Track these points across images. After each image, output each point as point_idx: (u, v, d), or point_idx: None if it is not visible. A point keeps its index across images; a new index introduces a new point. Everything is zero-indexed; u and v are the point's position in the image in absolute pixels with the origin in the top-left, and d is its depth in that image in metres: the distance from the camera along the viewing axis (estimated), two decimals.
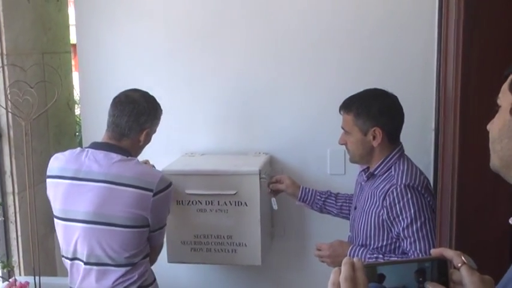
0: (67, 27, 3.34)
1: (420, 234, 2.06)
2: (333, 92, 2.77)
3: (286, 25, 2.82)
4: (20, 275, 2.90)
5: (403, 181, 2.12)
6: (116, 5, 2.96)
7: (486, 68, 1.39)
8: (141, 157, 2.67)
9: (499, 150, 1.05)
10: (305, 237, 2.98)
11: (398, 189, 2.10)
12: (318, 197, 2.61)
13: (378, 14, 2.73)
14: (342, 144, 2.34)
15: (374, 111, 2.19)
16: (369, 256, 2.17)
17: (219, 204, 2.63)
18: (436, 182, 2.08)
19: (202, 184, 2.65)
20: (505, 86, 1.05)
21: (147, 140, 2.38)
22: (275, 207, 2.65)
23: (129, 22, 2.97)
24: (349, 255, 2.22)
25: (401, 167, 2.19)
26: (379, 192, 2.17)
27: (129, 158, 2.28)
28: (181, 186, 2.65)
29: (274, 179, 2.67)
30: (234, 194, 2.61)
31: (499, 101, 1.07)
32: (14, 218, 2.87)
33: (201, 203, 2.65)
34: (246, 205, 2.61)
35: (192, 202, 2.66)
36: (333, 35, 2.78)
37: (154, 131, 2.42)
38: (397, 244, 2.17)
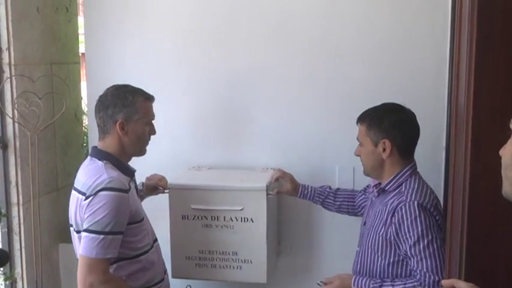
0: (76, 37, 3.33)
1: (427, 253, 2.03)
2: (343, 109, 2.75)
3: (297, 41, 2.79)
4: (23, 287, 2.87)
5: (412, 198, 2.11)
6: (124, 16, 2.95)
7: (499, 88, 1.34)
8: (149, 170, 2.66)
9: None
10: (312, 254, 2.93)
11: (407, 206, 2.09)
12: (317, 197, 2.63)
13: (390, 30, 2.70)
14: (356, 155, 2.34)
15: (385, 124, 2.20)
16: (372, 286, 2.13)
17: (224, 219, 2.59)
18: (446, 201, 2.02)
19: (208, 199, 2.61)
20: None
21: (134, 130, 2.25)
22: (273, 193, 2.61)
23: (137, 32, 2.95)
24: (353, 285, 2.18)
25: (411, 185, 2.18)
26: (388, 208, 2.16)
27: (95, 160, 2.24)
28: (186, 200, 2.62)
29: (279, 175, 2.63)
30: (241, 209, 2.57)
31: (511, 125, 1.03)
32: (18, 229, 2.85)
33: (206, 218, 2.61)
34: (252, 221, 2.57)
35: (198, 217, 2.62)
36: (344, 51, 2.75)
37: (145, 119, 2.28)
38: (405, 262, 2.14)
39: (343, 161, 2.76)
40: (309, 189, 2.63)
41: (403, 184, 2.19)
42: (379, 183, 2.31)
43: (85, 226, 2.11)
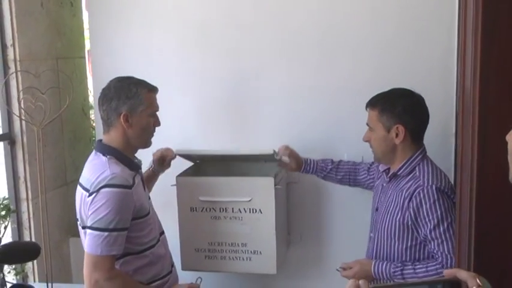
0: (81, 32, 3.33)
1: (448, 235, 2.06)
2: (350, 97, 2.72)
3: (302, 29, 2.76)
4: (34, 281, 2.89)
5: (430, 182, 2.13)
6: (129, 10, 2.94)
7: (505, 72, 1.31)
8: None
9: None
10: (323, 244, 2.91)
11: (426, 191, 2.11)
12: (319, 172, 2.64)
13: (398, 17, 2.66)
14: (365, 141, 2.33)
15: (399, 109, 2.20)
16: (393, 270, 2.14)
17: (233, 211, 2.58)
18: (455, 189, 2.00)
19: (216, 191, 2.60)
20: None
21: (139, 122, 2.23)
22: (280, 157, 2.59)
23: (142, 27, 2.94)
24: (373, 270, 2.20)
25: (425, 168, 2.19)
26: (404, 193, 2.16)
27: (99, 155, 2.22)
28: (194, 193, 2.61)
29: (284, 150, 2.60)
30: (249, 201, 2.56)
31: None
32: (28, 224, 2.86)
33: (215, 210, 2.61)
34: (261, 212, 2.55)
35: (206, 209, 2.61)
36: (351, 39, 2.72)
37: (149, 110, 2.25)
38: (422, 246, 2.16)
39: (351, 149, 2.73)
40: (311, 165, 2.63)
41: (416, 168, 2.20)
42: (388, 169, 2.31)
43: (89, 223, 2.11)
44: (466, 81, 1.52)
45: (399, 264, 2.15)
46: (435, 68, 2.64)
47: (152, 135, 2.33)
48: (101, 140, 2.30)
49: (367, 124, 2.31)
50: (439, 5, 2.61)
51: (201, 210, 2.62)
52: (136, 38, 2.96)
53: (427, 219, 2.09)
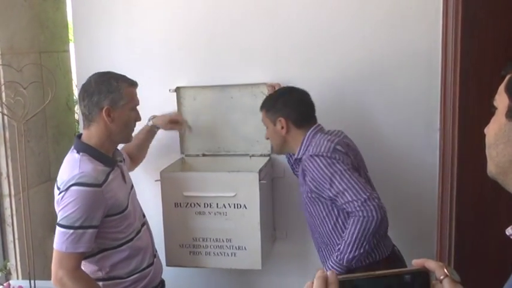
0: (65, 25, 3.29)
1: (344, 186, 2.17)
2: (336, 92, 2.71)
3: (288, 24, 2.74)
4: (17, 278, 2.86)
5: (309, 152, 2.30)
6: (113, 3, 2.91)
7: (484, 68, 1.31)
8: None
9: (495, 156, 0.98)
10: (308, 240, 2.87)
11: (308, 161, 2.27)
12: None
13: (383, 11, 2.64)
14: (266, 139, 2.55)
15: (278, 104, 2.44)
16: (333, 262, 2.21)
17: (217, 206, 2.57)
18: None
19: (201, 186, 2.59)
20: (502, 87, 0.97)
21: (120, 116, 2.23)
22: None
23: (126, 20, 2.91)
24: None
25: (312, 143, 2.35)
26: (301, 171, 2.36)
27: (74, 153, 2.23)
28: (179, 188, 2.60)
29: (271, 85, 2.73)
30: (233, 196, 2.54)
31: (495, 103, 0.99)
32: (10, 221, 2.83)
33: (199, 206, 2.59)
34: (246, 208, 2.54)
35: (190, 204, 2.60)
36: (336, 32, 2.70)
37: (129, 105, 2.25)
38: (336, 210, 2.29)
39: None
40: None
41: (309, 147, 2.35)
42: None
43: (57, 220, 2.13)
44: (447, 78, 1.52)
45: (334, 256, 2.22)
46: (420, 63, 2.62)
47: (133, 130, 2.34)
48: (79, 136, 2.29)
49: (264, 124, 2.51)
50: (423, 1, 2.59)
51: (186, 206, 2.61)
52: (121, 32, 2.93)
53: (322, 183, 2.22)
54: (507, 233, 0.96)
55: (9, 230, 2.85)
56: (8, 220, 2.83)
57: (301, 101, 2.48)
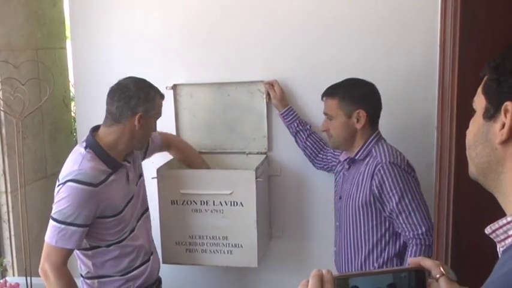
0: (62, 22, 3.28)
1: (413, 206, 2.16)
2: None
3: (286, 23, 2.73)
4: (13, 275, 2.85)
5: (387, 159, 2.23)
6: (110, 0, 2.90)
7: (483, 66, 1.31)
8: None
9: (475, 157, 0.99)
10: (304, 238, 2.90)
11: (385, 167, 2.21)
12: (295, 125, 2.70)
13: (380, 10, 2.64)
14: (323, 130, 2.44)
15: (357, 95, 2.32)
16: None
17: (214, 204, 2.57)
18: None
19: (197, 184, 2.59)
20: (479, 89, 0.99)
21: (147, 124, 2.30)
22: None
23: (124, 17, 2.90)
24: None
25: (381, 148, 2.29)
26: (366, 173, 2.26)
27: (80, 147, 2.25)
28: (175, 185, 2.60)
29: (268, 82, 2.72)
30: (230, 193, 2.54)
31: (474, 105, 1.00)
32: (7, 217, 2.83)
33: (196, 203, 2.59)
34: (242, 205, 2.54)
35: (187, 202, 2.60)
36: (334, 31, 2.70)
37: (156, 116, 2.35)
38: (387, 222, 2.26)
39: None
40: (294, 114, 2.70)
41: (372, 150, 2.30)
42: (348, 158, 2.40)
43: (51, 213, 2.17)
44: (445, 77, 1.52)
45: None
46: (418, 62, 2.63)
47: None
48: (95, 129, 2.31)
49: (326, 113, 2.39)
50: (421, 0, 2.59)
51: (182, 203, 2.61)
52: (117, 29, 2.92)
53: (391, 194, 2.18)
54: (486, 232, 0.95)
55: (5, 226, 2.84)
56: (4, 217, 2.83)
57: (379, 98, 2.36)
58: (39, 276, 2.70)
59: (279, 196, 2.88)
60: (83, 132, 2.99)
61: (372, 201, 2.24)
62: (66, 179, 2.14)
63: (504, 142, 0.91)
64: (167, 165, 2.73)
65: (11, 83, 2.63)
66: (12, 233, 2.82)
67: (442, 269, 0.86)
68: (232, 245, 2.59)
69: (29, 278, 2.59)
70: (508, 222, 0.90)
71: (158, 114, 2.36)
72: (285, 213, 2.89)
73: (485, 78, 0.96)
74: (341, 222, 2.41)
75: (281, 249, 2.93)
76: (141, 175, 2.47)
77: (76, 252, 2.29)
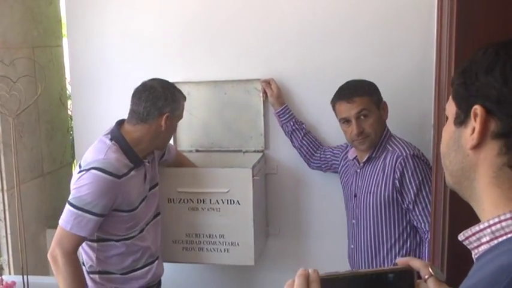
0: (58, 20, 3.27)
1: (430, 199, 2.15)
2: (329, 89, 2.69)
3: (282, 20, 2.73)
4: (10, 273, 2.85)
5: (407, 151, 2.28)
6: None
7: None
8: None
9: (449, 165, 0.97)
10: (301, 236, 2.90)
11: (407, 160, 2.25)
12: (291, 124, 2.69)
13: (377, 9, 2.64)
14: (359, 133, 2.33)
15: (376, 89, 2.38)
16: None
17: (211, 202, 2.57)
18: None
19: (194, 182, 2.58)
20: (450, 96, 0.97)
21: (171, 125, 2.35)
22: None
23: (120, 15, 2.89)
24: None
25: (396, 142, 2.35)
26: (387, 169, 2.29)
27: (106, 138, 2.26)
28: (172, 184, 2.59)
29: (265, 81, 2.73)
30: (227, 192, 2.54)
31: (446, 112, 0.98)
32: (3, 216, 2.82)
33: (192, 201, 2.59)
34: (239, 203, 2.54)
35: (184, 200, 2.60)
36: (330, 29, 2.69)
37: (179, 117, 2.42)
38: (408, 218, 2.29)
39: (329, 141, 2.75)
40: (290, 113, 2.70)
41: (388, 145, 2.34)
42: (356, 157, 2.44)
43: (69, 197, 2.16)
44: (442, 76, 1.52)
45: None
46: (415, 61, 2.62)
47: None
48: (119, 124, 2.32)
49: (359, 113, 2.33)
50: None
51: (179, 202, 2.61)
52: (114, 27, 2.91)
53: (409, 187, 2.23)
54: (459, 239, 0.94)
55: (1, 225, 2.84)
56: (1, 215, 2.82)
57: None
58: (35, 274, 2.72)
59: (276, 194, 2.88)
60: (79, 131, 3.01)
61: (395, 196, 2.28)
62: (90, 166, 2.15)
63: (475, 147, 0.89)
64: (164, 164, 2.72)
65: (6, 81, 2.62)
66: (9, 231, 2.81)
67: (430, 269, 0.86)
68: (229, 243, 2.59)
69: (25, 277, 2.58)
70: (481, 230, 0.88)
71: (181, 115, 2.42)
72: (282, 212, 2.89)
73: (455, 85, 0.95)
74: (359, 219, 2.41)
75: (278, 247, 2.93)
76: (157, 184, 2.49)
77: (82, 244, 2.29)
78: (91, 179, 2.13)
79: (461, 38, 1.36)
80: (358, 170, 2.43)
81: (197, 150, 2.89)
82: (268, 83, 2.71)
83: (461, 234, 0.92)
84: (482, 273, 0.84)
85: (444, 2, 1.45)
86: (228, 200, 2.54)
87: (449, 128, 0.96)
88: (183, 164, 2.77)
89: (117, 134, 2.27)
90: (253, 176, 2.51)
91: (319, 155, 2.70)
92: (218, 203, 2.56)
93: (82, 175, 2.15)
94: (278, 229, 2.91)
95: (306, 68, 2.75)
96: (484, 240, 0.88)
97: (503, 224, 0.85)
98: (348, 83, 2.40)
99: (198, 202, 2.59)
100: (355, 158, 2.45)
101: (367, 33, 2.66)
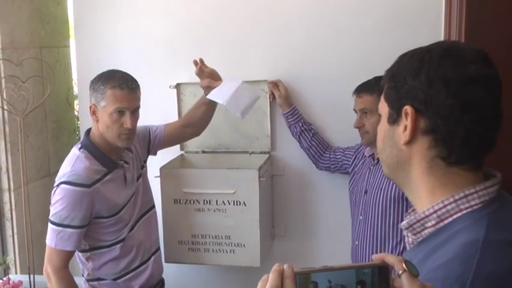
0: (66, 20, 3.28)
1: None
2: (336, 89, 2.71)
3: (288, 22, 2.74)
4: (16, 273, 2.85)
5: None
6: None
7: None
8: None
9: (385, 159, 1.09)
10: (307, 238, 2.90)
11: None
12: (300, 124, 2.71)
13: (383, 10, 2.64)
14: (358, 127, 2.43)
15: None
16: None
17: (217, 203, 2.57)
18: None
19: (200, 183, 2.58)
20: (382, 96, 1.08)
21: (102, 119, 2.17)
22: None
23: (128, 16, 2.91)
24: None
25: None
26: None
27: (76, 147, 2.25)
28: (178, 184, 2.60)
29: (273, 82, 2.73)
30: (233, 193, 2.54)
31: (379, 111, 1.10)
32: (9, 215, 2.83)
33: (198, 202, 2.59)
34: (245, 205, 2.54)
35: (190, 201, 2.60)
36: (336, 30, 2.70)
37: (109, 108, 2.15)
38: None
39: (336, 142, 2.74)
40: (299, 114, 2.71)
41: None
42: (373, 154, 2.45)
43: (49, 215, 2.18)
44: None
45: None
46: None
47: (120, 135, 2.21)
48: (89, 131, 2.30)
49: (361, 110, 2.40)
50: (425, 0, 2.59)
51: (185, 202, 2.61)
52: (121, 28, 2.93)
53: None
54: (402, 227, 1.05)
55: (8, 224, 2.84)
56: (7, 214, 2.83)
57: None
58: (41, 274, 2.72)
59: (282, 196, 2.88)
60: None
61: (399, 192, 2.28)
62: (59, 181, 2.15)
63: (408, 143, 1.01)
64: (170, 164, 2.73)
65: (14, 81, 2.63)
66: (15, 230, 2.82)
67: (404, 265, 0.86)
68: (234, 244, 2.59)
69: (31, 276, 2.59)
70: (426, 216, 1.01)
71: (113, 105, 2.15)
72: (288, 213, 2.89)
73: (385, 87, 1.06)
74: (367, 215, 2.42)
75: (284, 249, 2.93)
76: (140, 175, 2.41)
77: (77, 254, 2.30)
78: (62, 194, 2.13)
79: (470, 40, 1.36)
80: (372, 167, 2.45)
81: (204, 151, 2.89)
82: (275, 84, 2.71)
83: (404, 223, 1.04)
84: (443, 253, 0.95)
85: (453, 5, 1.45)
86: (234, 201, 2.54)
87: (383, 126, 1.08)
88: (176, 128, 2.60)
89: (86, 140, 2.24)
90: (259, 178, 2.51)
91: (328, 155, 2.70)
92: (224, 204, 2.56)
93: (55, 191, 2.16)
94: (284, 230, 2.91)
95: (313, 69, 2.75)
96: (429, 224, 1.01)
97: (448, 207, 0.98)
98: (371, 78, 2.40)
99: (204, 203, 2.59)
100: (371, 155, 2.47)
101: (375, 33, 2.66)
